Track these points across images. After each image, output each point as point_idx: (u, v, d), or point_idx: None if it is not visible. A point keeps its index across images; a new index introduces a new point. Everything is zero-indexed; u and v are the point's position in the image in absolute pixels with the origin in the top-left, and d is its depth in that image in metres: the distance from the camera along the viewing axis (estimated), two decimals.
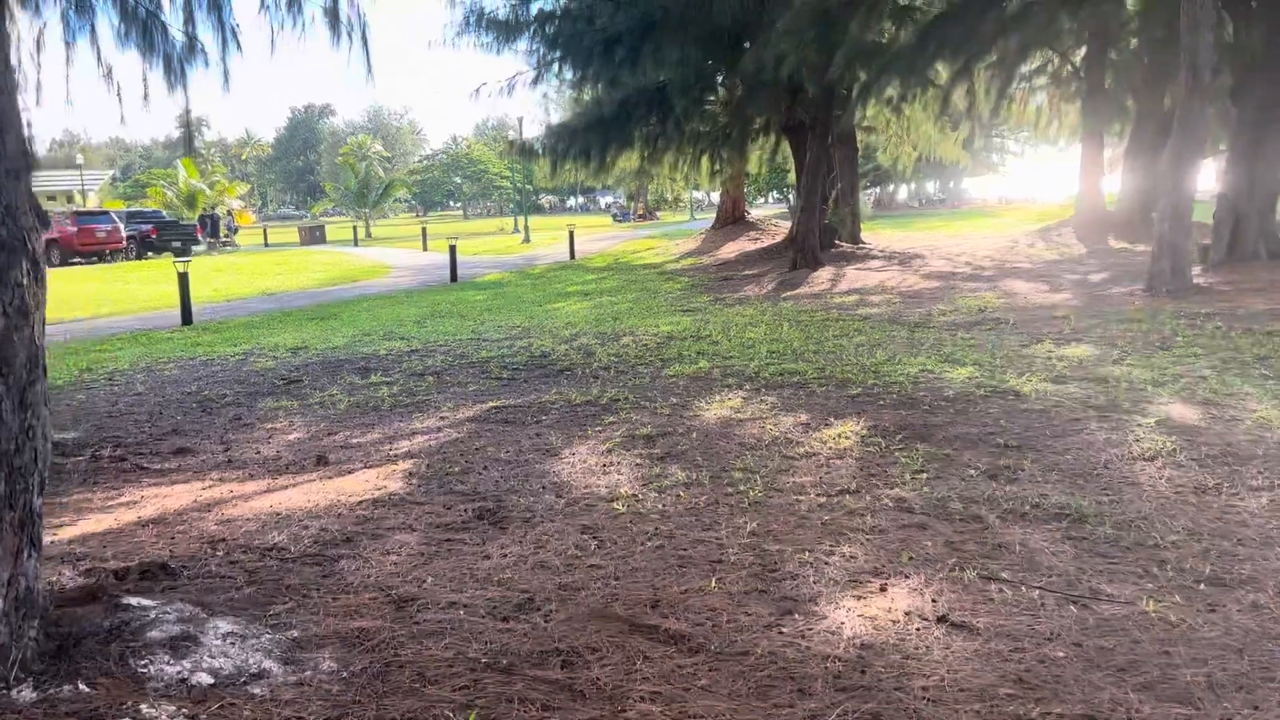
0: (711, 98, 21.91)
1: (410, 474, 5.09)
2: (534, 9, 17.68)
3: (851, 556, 3.61)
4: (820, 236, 17.11)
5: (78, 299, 18.82)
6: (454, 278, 20.79)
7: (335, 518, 4.27)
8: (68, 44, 10.52)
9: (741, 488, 4.49)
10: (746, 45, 19.66)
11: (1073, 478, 4.49)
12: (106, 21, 10.80)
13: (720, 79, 22.65)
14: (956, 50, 14.72)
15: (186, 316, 14.30)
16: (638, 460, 5.11)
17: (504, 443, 5.78)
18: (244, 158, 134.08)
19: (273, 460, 5.69)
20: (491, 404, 7.09)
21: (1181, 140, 10.26)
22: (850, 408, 6.08)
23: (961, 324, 9.84)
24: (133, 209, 39.93)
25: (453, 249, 20.97)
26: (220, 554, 3.74)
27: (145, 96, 10.32)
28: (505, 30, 18.32)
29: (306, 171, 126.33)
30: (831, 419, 5.77)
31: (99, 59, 10.86)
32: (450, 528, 4.09)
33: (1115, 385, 6.38)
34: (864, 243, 23.70)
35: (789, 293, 14.33)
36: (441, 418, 6.78)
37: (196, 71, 11.79)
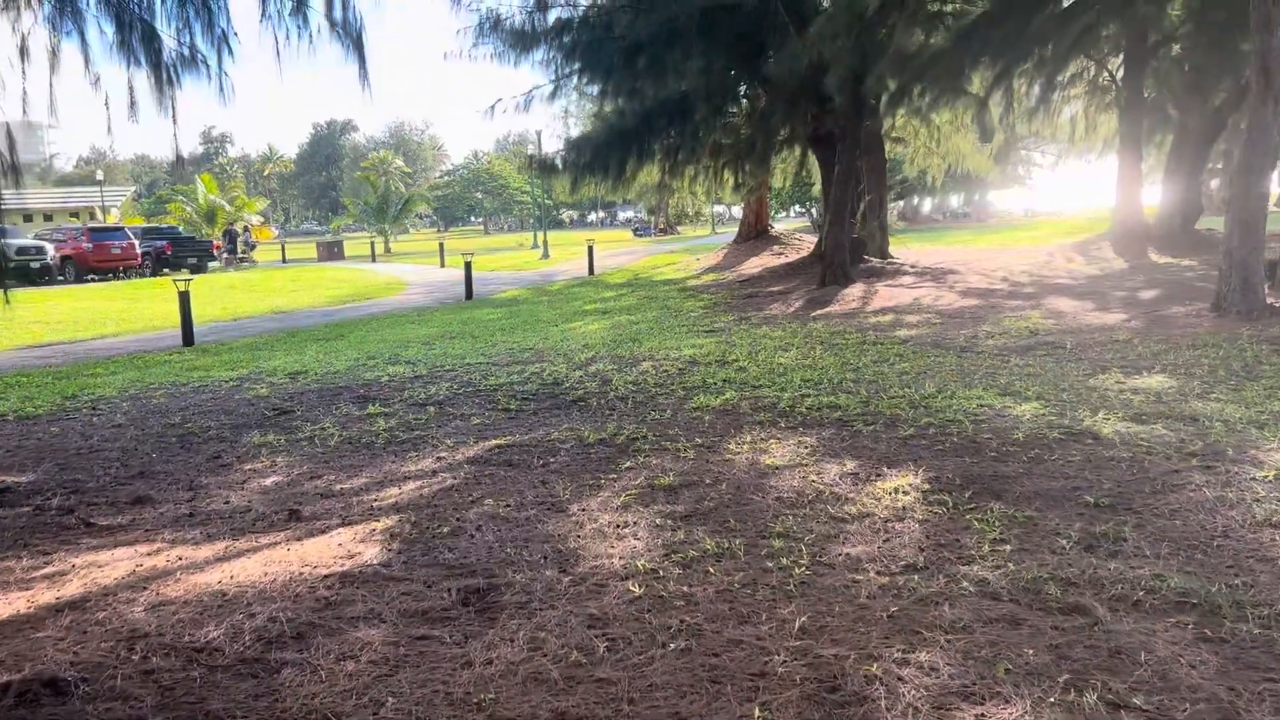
0: (734, 109, 21.20)
1: (392, 535, 4.34)
2: (551, 17, 17.03)
3: (932, 668, 2.82)
4: (850, 251, 16.31)
5: (85, 318, 18.29)
6: (469, 295, 20.12)
7: (291, 600, 3.52)
8: (52, 53, 9.93)
9: (784, 561, 3.71)
10: (771, 54, 19.02)
11: (1188, 550, 3.67)
12: (96, 28, 10.20)
13: (743, 89, 21.96)
14: (996, 56, 13.91)
15: (188, 337, 13.69)
16: (658, 520, 4.34)
17: (505, 493, 5.03)
18: (267, 173, 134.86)
19: (240, 514, 4.96)
20: (495, 442, 6.35)
21: (1251, 148, 9.41)
22: (904, 453, 5.28)
23: (1013, 348, 9.01)
24: (148, 225, 39.65)
25: (468, 265, 20.31)
26: (135, 659, 2.99)
27: (132, 105, 9.72)
28: (521, 39, 17.67)
29: (329, 187, 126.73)
30: (884, 468, 4.97)
31: (87, 65, 10.28)
32: (428, 617, 3.32)
33: (1209, 425, 5.55)
34: (893, 257, 22.85)
35: (818, 311, 13.53)
36: (438, 458, 6.04)
37: (199, 83, 11.18)
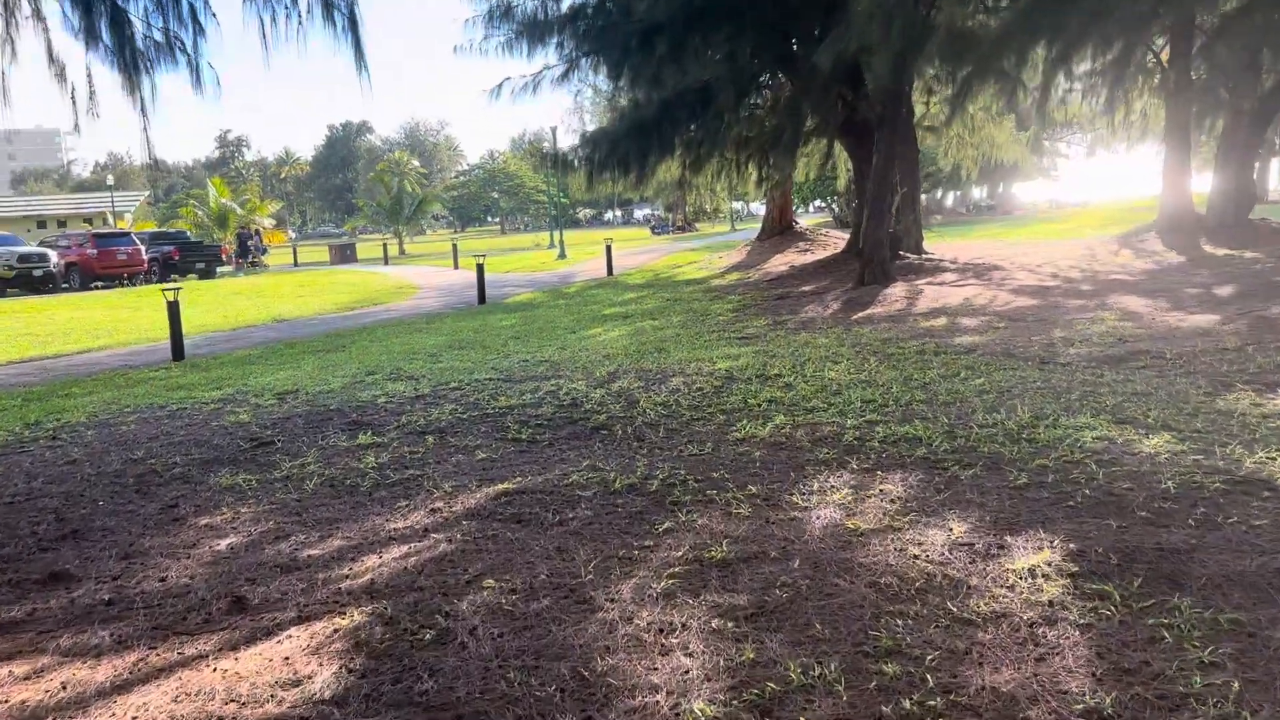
0: (759, 99, 20.04)
1: (357, 643, 3.24)
2: (565, 3, 15.89)
3: None
4: (889, 247, 15.13)
5: (78, 329, 17.34)
6: (482, 299, 19.06)
7: None
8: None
9: (906, 704, 2.58)
10: (795, 42, 17.82)
11: None
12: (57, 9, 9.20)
13: (767, 77, 20.78)
14: (1058, 36, 12.67)
15: (178, 351, 12.67)
16: (715, 622, 3.21)
17: (511, 566, 3.92)
18: (283, 176, 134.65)
19: (173, 599, 3.88)
20: (501, 487, 5.24)
21: None
22: (1024, 512, 4.11)
23: (1102, 359, 7.81)
24: (155, 230, 38.84)
25: (480, 268, 19.23)
26: None
27: (91, 95, 8.70)
28: (533, 28, 16.55)
29: (345, 189, 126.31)
30: (1005, 535, 3.82)
31: (50, 55, 9.27)
32: None
33: None
34: (928, 253, 21.59)
35: (860, 314, 12.36)
36: (432, 509, 4.94)
37: (176, 74, 10.13)
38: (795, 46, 17.92)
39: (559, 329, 13.41)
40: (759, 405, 6.91)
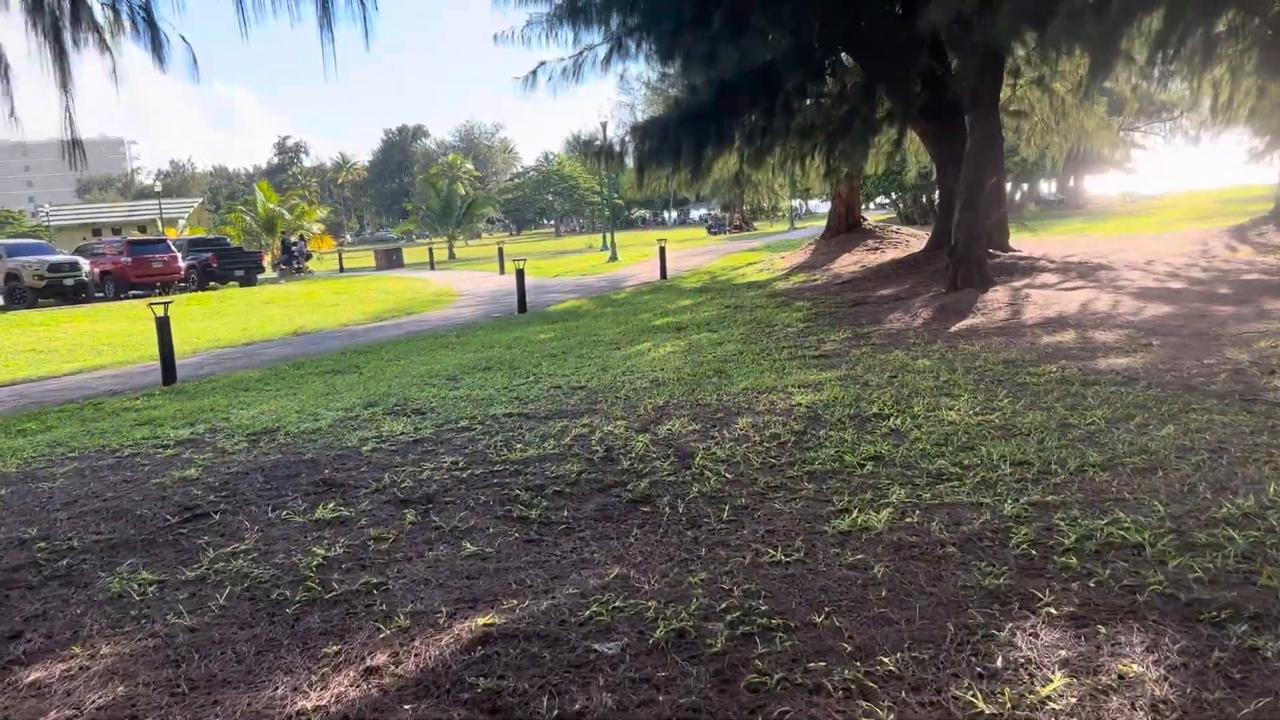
0: (825, 83, 17.97)
1: None
2: None
3: None
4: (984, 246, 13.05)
5: (85, 344, 16.00)
6: (522, 308, 17.32)
7: None
8: None
9: None
10: (863, 20, 15.75)
11: None
12: None
13: (830, 61, 18.71)
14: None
15: (169, 374, 11.10)
16: None
17: None
18: (340, 181, 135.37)
19: None
20: (484, 621, 3.42)
21: None
22: None
23: None
24: (194, 237, 37.91)
25: (520, 274, 17.48)
26: None
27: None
28: (574, 5, 14.74)
29: (401, 194, 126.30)
30: None
31: None
32: None
33: None
34: (1015, 249, 19.35)
35: (959, 324, 10.33)
36: (366, 672, 3.14)
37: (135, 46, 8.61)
38: (863, 24, 15.90)
39: (602, 344, 11.58)
40: (861, 468, 4.99)
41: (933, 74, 15.75)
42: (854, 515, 4.18)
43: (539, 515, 4.67)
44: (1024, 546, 3.62)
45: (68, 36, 6.88)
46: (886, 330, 10.53)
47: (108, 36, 8.22)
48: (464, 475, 5.56)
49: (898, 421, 5.89)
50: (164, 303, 11.04)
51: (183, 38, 8.53)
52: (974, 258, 12.48)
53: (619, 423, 6.60)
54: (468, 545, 4.33)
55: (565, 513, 4.69)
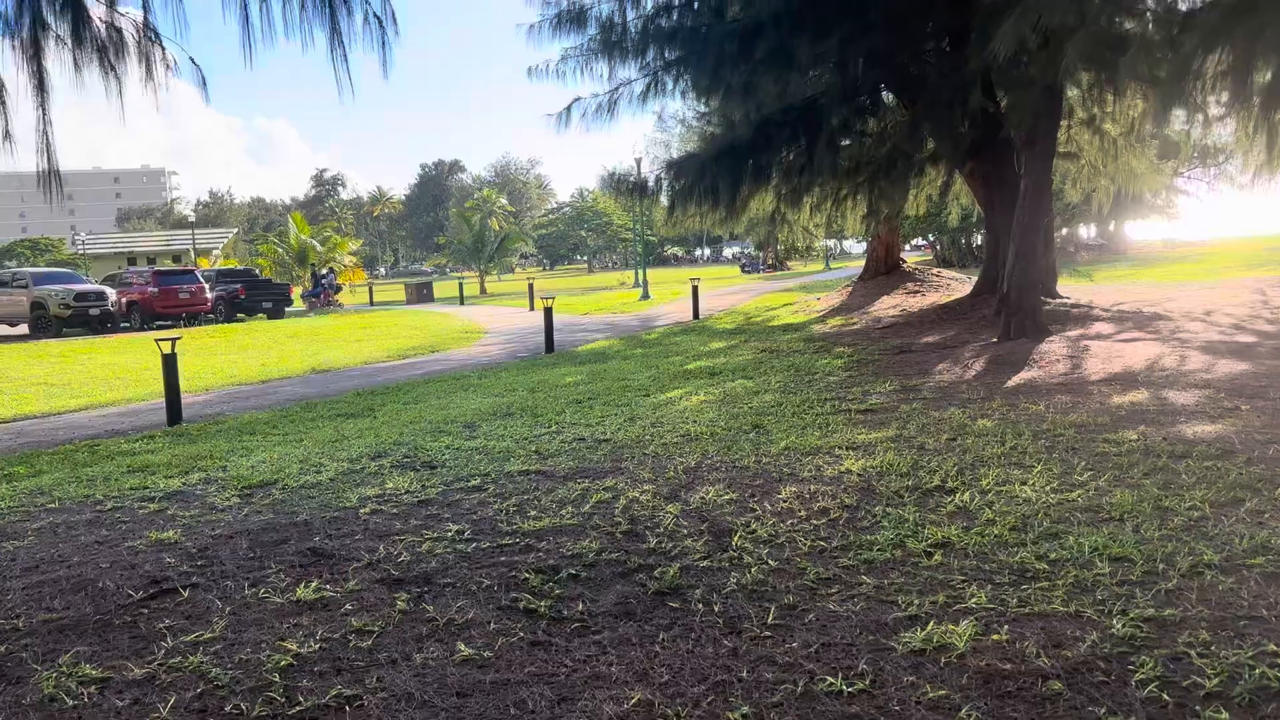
0: (870, 120, 17.33)
1: None
2: (647, 4, 13.48)
3: None
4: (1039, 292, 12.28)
5: (98, 378, 15.58)
6: (549, 347, 16.72)
7: None
8: None
9: None
10: (909, 54, 15.12)
11: None
12: None
13: (869, 99, 18.09)
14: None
15: (174, 414, 10.57)
16: None
17: None
18: (376, 214, 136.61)
19: None
20: None
21: None
22: None
23: None
24: (223, 267, 37.83)
25: (548, 312, 16.91)
26: None
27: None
28: (608, 37, 14.24)
29: (435, 228, 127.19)
30: None
31: None
32: None
33: None
34: (1063, 296, 18.52)
35: (1016, 378, 9.57)
36: None
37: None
38: (910, 60, 15.30)
39: (631, 389, 10.92)
40: (928, 557, 4.26)
41: (983, 112, 15.09)
42: (927, 627, 3.45)
43: (549, 608, 3.98)
44: (1152, 688, 2.87)
45: (49, 58, 6.41)
46: (937, 383, 9.78)
47: (112, 57, 7.74)
48: (468, 549, 4.89)
49: (964, 497, 5.15)
50: (171, 339, 10.53)
51: (192, 60, 8.05)
52: (1028, 306, 11.72)
53: (646, 487, 5.91)
54: (463, 647, 3.65)
55: (580, 606, 4.00)
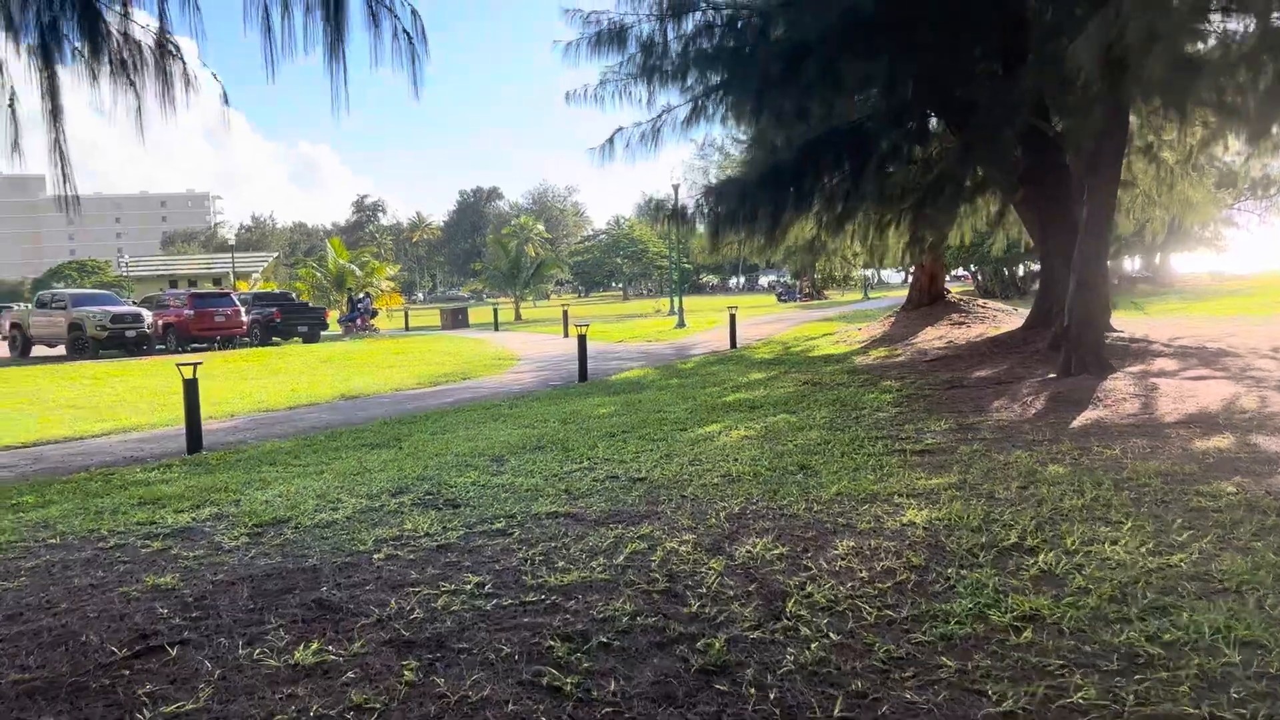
0: (920, 145, 16.76)
1: None
2: (688, 24, 13.05)
3: None
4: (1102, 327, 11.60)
5: (126, 401, 15.32)
6: (583, 376, 16.24)
7: None
8: None
9: None
10: (957, 75, 14.56)
11: None
12: None
13: (914, 124, 17.53)
14: None
15: (194, 442, 10.19)
16: None
17: None
18: (415, 240, 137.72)
19: None
20: None
21: None
22: None
23: None
24: (259, 291, 37.86)
25: (581, 340, 16.44)
26: None
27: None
28: (648, 60, 13.84)
29: (473, 254, 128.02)
30: None
31: None
32: None
33: None
34: (1118, 330, 17.75)
35: (1082, 418, 8.91)
36: None
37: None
38: (958, 83, 14.74)
39: (667, 423, 10.39)
40: (1016, 634, 3.67)
41: (1036, 138, 14.49)
42: None
43: (576, 686, 3.45)
44: None
45: (61, 68, 6.08)
46: (995, 421, 9.15)
47: (131, 72, 7.42)
48: (487, 607, 4.37)
49: (1048, 558, 4.55)
50: (193, 363, 10.16)
51: (214, 75, 7.73)
52: (1090, 341, 11.06)
53: (685, 536, 5.37)
54: None
55: (612, 684, 3.46)
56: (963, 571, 4.44)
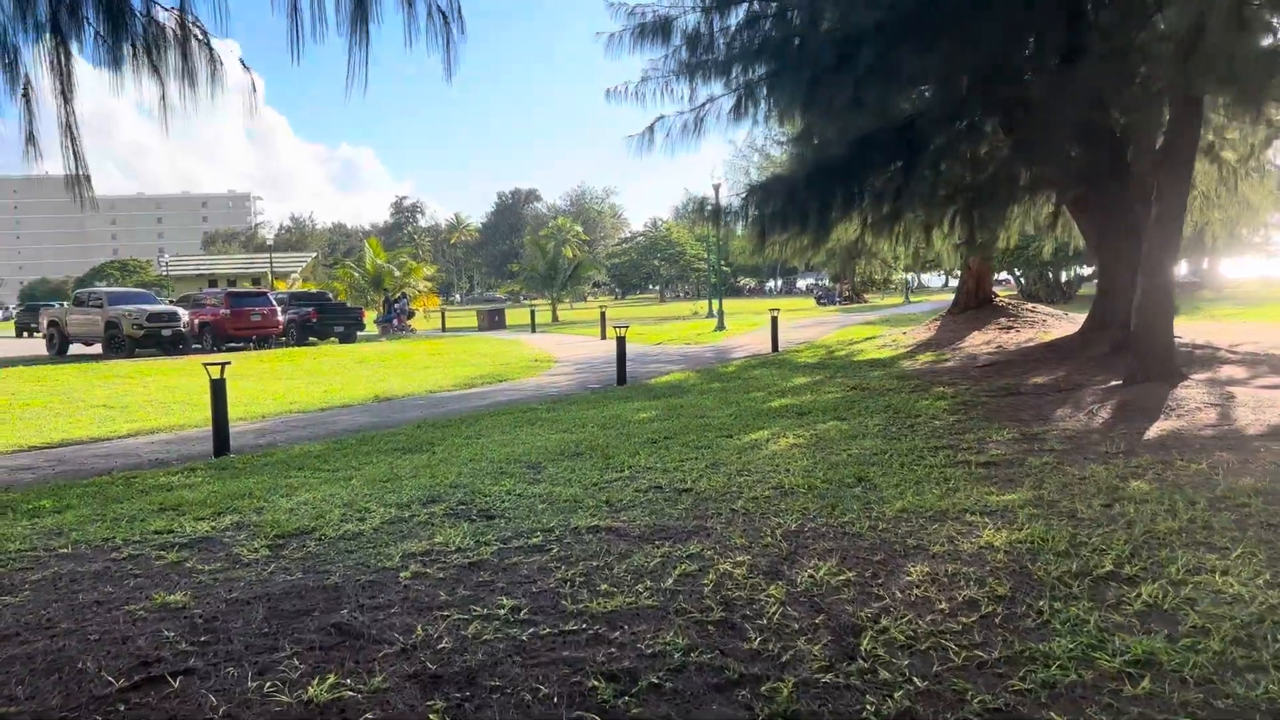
0: (976, 141, 16.13)
1: None
2: (735, 17, 12.56)
3: None
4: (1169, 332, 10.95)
5: (156, 401, 15.12)
6: (621, 379, 15.81)
7: None
8: None
9: None
10: (1014, 68, 13.94)
11: None
12: None
13: (965, 122, 16.90)
14: None
15: (221, 445, 9.89)
16: None
17: None
18: (453, 242, 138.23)
19: None
20: None
21: None
22: None
23: None
24: (295, 290, 37.87)
25: (620, 341, 16.02)
26: None
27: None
28: (694, 51, 13.37)
29: (511, 255, 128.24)
30: None
31: None
32: None
33: None
34: (1178, 335, 16.97)
35: (1156, 430, 8.31)
36: None
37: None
38: (1011, 79, 14.13)
39: (711, 429, 9.92)
40: (1130, 683, 3.17)
41: (1095, 135, 13.82)
42: None
43: None
44: None
45: (78, 46, 5.74)
46: (1061, 431, 8.58)
47: (156, 59, 7.09)
48: (523, 636, 3.94)
49: (1152, 590, 4.03)
50: (221, 363, 9.85)
51: (241, 62, 7.39)
52: (1159, 347, 10.42)
53: (739, 557, 4.90)
54: None
55: None
56: (1055, 604, 3.93)
